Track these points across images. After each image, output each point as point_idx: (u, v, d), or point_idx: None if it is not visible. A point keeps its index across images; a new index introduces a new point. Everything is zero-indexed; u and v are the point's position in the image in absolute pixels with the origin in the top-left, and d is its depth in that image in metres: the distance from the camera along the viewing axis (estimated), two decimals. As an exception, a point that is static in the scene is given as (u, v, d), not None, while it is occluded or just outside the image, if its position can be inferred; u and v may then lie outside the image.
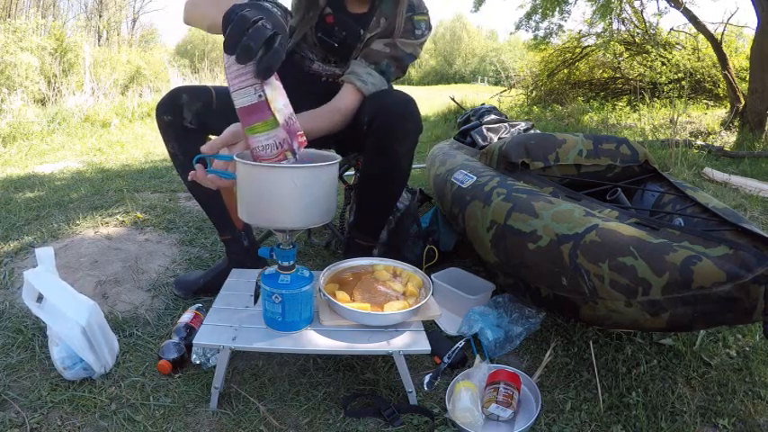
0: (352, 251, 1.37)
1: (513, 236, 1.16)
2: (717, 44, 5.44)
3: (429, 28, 1.31)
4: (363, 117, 1.20)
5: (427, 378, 1.11)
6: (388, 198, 1.32)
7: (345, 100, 1.22)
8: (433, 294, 1.12)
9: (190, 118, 1.22)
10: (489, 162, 1.53)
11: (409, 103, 1.17)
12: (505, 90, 8.80)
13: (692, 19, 5.66)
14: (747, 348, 1.23)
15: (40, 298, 1.07)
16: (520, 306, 1.30)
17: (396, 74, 1.29)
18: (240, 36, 0.77)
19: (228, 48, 0.78)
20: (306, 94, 1.35)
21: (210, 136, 1.32)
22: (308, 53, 1.36)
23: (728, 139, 4.44)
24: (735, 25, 6.27)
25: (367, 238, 1.38)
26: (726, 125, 4.80)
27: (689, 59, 6.78)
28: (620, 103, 6.73)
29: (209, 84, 1.37)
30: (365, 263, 1.20)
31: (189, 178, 0.96)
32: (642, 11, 7.09)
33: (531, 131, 1.87)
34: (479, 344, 1.21)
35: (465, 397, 0.97)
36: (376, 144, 1.19)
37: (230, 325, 1.03)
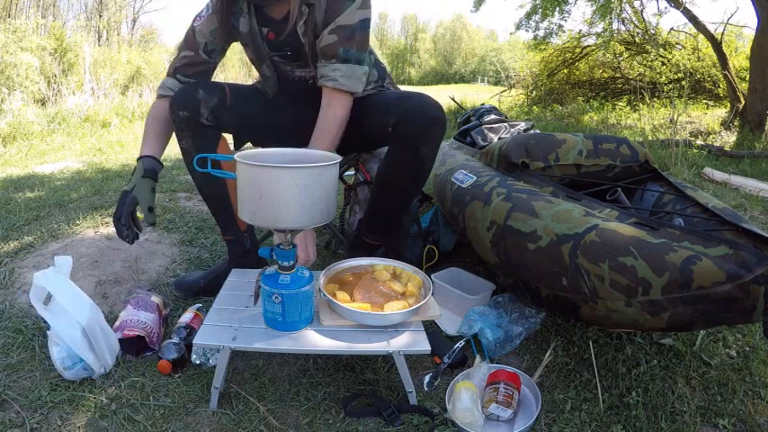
0: (358, 250, 1.37)
1: (513, 236, 1.16)
2: (717, 44, 5.45)
3: None
4: (389, 119, 1.20)
5: (427, 378, 1.11)
6: (406, 198, 1.35)
7: (332, 107, 1.22)
8: (433, 294, 1.12)
9: (206, 114, 1.21)
10: (489, 162, 1.53)
11: (437, 107, 1.20)
12: (505, 90, 8.81)
13: (692, 19, 5.66)
14: (747, 348, 1.23)
15: (47, 300, 1.07)
16: (520, 306, 1.30)
17: (361, 50, 1.22)
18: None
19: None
20: (304, 98, 1.36)
21: (224, 134, 1.33)
22: (287, 68, 1.36)
23: (728, 138, 4.44)
24: (735, 25, 6.27)
25: (377, 237, 1.39)
26: (726, 125, 4.80)
27: (689, 59, 6.78)
28: (620, 103, 6.73)
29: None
30: (365, 263, 1.20)
31: None
32: (642, 11, 7.10)
33: (531, 131, 1.87)
34: (479, 344, 1.21)
35: (465, 397, 0.97)
36: (402, 145, 1.21)
37: (230, 325, 1.03)
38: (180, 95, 1.22)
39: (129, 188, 1.21)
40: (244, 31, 1.28)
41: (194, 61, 1.31)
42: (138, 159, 1.25)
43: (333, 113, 1.22)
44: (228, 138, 1.40)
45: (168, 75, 1.33)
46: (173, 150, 1.21)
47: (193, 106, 1.20)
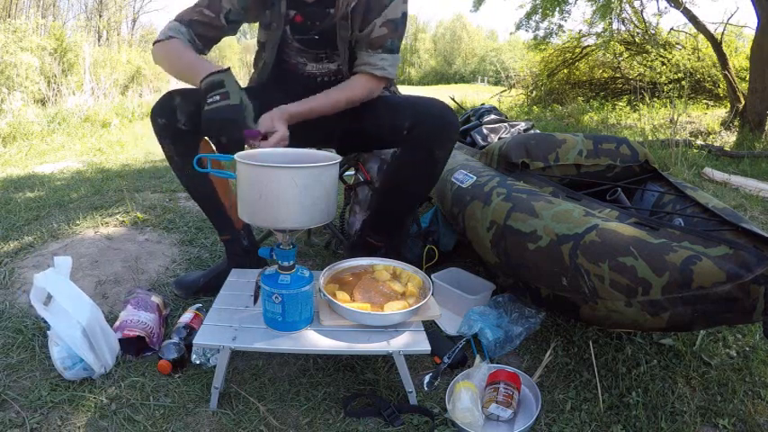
0: (359, 249, 1.37)
1: (513, 236, 1.16)
2: (717, 44, 5.45)
3: None
4: (403, 122, 1.22)
5: (427, 378, 1.11)
6: (414, 201, 1.36)
7: (356, 88, 1.26)
8: (433, 294, 1.12)
9: (183, 120, 1.22)
10: (489, 162, 1.53)
11: (450, 111, 1.22)
12: (505, 90, 8.81)
13: (692, 19, 5.66)
14: (747, 348, 1.23)
15: (47, 301, 1.07)
16: (520, 306, 1.30)
17: (400, 40, 1.29)
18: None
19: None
20: (306, 96, 1.35)
21: (206, 138, 1.32)
22: (298, 59, 1.36)
23: (728, 138, 4.44)
24: (735, 25, 6.28)
25: (380, 238, 1.39)
26: (726, 125, 4.80)
27: (689, 59, 6.78)
28: (620, 103, 6.73)
29: None
30: (365, 263, 1.20)
31: None
32: (642, 11, 7.10)
33: (531, 131, 1.87)
34: (479, 344, 1.21)
35: (465, 397, 0.97)
36: (417, 148, 1.22)
37: (230, 325, 1.03)
38: (158, 105, 1.23)
39: (238, 101, 1.04)
40: (282, 12, 1.27)
41: (213, 24, 1.26)
42: (217, 73, 1.07)
43: (353, 94, 1.26)
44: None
45: (179, 21, 1.24)
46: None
47: (170, 113, 1.21)
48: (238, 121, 1.04)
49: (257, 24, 1.37)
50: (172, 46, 1.20)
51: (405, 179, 1.29)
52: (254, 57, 1.44)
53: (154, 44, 1.25)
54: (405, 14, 1.27)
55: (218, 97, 1.04)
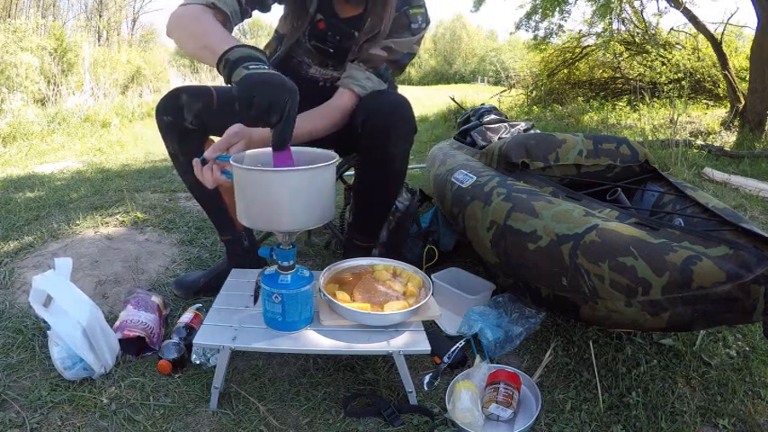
0: (351, 251, 1.37)
1: (513, 236, 1.16)
2: (717, 44, 5.44)
3: (426, 21, 1.27)
4: (357, 119, 1.20)
5: (427, 378, 1.11)
6: (385, 199, 1.33)
7: (344, 100, 1.22)
8: (433, 294, 1.12)
9: (190, 119, 1.21)
10: (489, 162, 1.53)
11: (402, 104, 1.18)
12: (505, 90, 8.80)
13: (692, 19, 5.66)
14: (747, 348, 1.23)
15: (47, 302, 1.07)
16: (520, 306, 1.30)
17: (394, 74, 1.29)
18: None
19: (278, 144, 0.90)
20: (304, 98, 1.35)
21: (211, 137, 1.32)
22: (305, 58, 1.36)
23: (728, 138, 4.44)
24: (735, 25, 6.27)
25: (365, 238, 1.38)
26: (726, 125, 4.80)
27: (689, 59, 6.78)
28: (620, 103, 6.72)
29: (209, 84, 1.37)
30: (365, 263, 1.20)
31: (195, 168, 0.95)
32: (642, 11, 7.09)
33: (531, 131, 1.87)
34: (479, 344, 1.21)
35: (465, 397, 0.97)
36: (370, 146, 1.20)
37: (230, 325, 1.03)
38: (164, 102, 1.22)
39: (287, 80, 0.88)
40: (310, 12, 1.27)
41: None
42: (252, 48, 0.94)
43: (343, 105, 1.22)
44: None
45: None
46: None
47: (177, 111, 1.20)
48: (289, 84, 0.87)
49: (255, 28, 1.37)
50: (201, 14, 1.05)
51: (368, 179, 1.28)
52: (265, 44, 1.43)
53: (180, 6, 1.09)
54: (411, 55, 1.27)
55: (264, 66, 0.89)
